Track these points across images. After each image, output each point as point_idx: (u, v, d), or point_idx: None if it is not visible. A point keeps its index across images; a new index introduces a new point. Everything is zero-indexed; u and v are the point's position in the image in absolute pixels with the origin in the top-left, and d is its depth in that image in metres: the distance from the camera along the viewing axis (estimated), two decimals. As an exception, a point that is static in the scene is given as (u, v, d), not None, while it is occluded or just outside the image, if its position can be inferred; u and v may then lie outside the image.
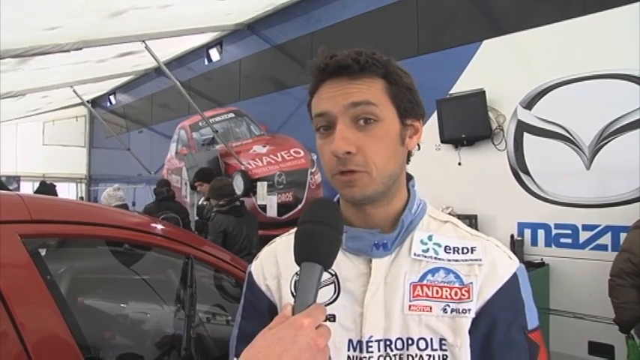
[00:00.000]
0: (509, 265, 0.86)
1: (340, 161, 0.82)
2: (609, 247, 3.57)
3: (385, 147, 0.84)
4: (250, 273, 0.98)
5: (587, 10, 3.76)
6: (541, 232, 3.98)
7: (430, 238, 0.89)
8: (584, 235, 3.74)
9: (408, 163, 0.93)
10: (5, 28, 4.38)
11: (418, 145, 0.92)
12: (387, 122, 0.84)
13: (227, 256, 2.09)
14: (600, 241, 3.64)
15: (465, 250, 0.87)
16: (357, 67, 0.83)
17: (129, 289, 2.00)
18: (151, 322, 1.92)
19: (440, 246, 0.88)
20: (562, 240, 3.86)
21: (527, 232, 4.05)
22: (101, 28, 5.45)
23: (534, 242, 4.01)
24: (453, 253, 0.87)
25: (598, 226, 3.67)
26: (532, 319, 0.84)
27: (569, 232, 3.81)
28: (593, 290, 3.60)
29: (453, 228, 0.92)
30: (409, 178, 0.96)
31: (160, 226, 1.95)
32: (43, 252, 1.42)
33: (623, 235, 3.34)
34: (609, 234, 3.59)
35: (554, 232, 3.91)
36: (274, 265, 0.95)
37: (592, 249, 3.68)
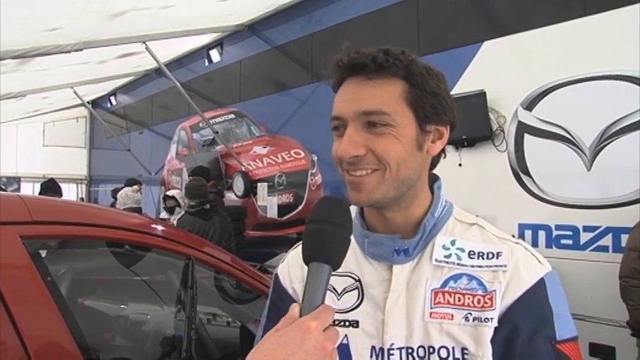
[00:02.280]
0: (536, 270, 0.82)
1: (349, 165, 0.81)
2: (610, 249, 3.56)
3: (397, 149, 0.80)
4: (277, 275, 0.97)
5: (587, 12, 3.75)
6: (542, 234, 3.97)
7: (453, 242, 0.85)
8: (585, 237, 3.73)
9: (432, 169, 0.90)
10: (6, 29, 4.38)
11: (444, 151, 0.89)
12: (401, 129, 0.80)
13: (227, 257, 2.09)
14: (601, 243, 3.62)
15: (490, 256, 0.83)
16: (374, 66, 0.79)
17: (129, 291, 2.00)
18: (152, 324, 1.92)
19: (463, 251, 0.84)
20: (563, 241, 3.85)
21: (528, 234, 4.04)
22: (102, 29, 5.45)
23: (535, 243, 3.99)
24: (477, 258, 0.83)
25: (599, 227, 3.65)
26: (565, 329, 0.78)
27: (570, 233, 3.80)
28: (594, 291, 3.59)
29: (480, 231, 0.88)
30: (435, 179, 0.92)
31: (160, 228, 1.95)
32: (43, 253, 1.42)
33: (624, 237, 3.33)
34: (610, 235, 3.57)
35: (554, 233, 3.90)
36: (300, 268, 0.93)
37: (593, 250, 3.67)
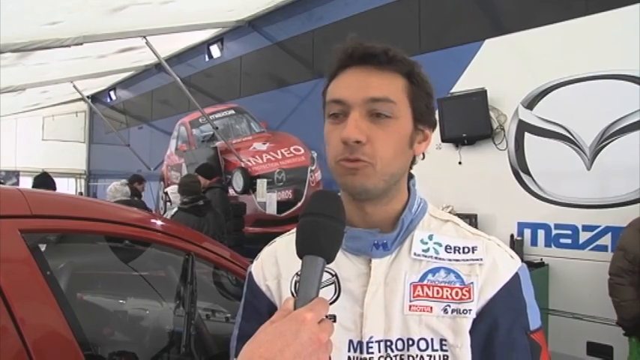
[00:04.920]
0: (510, 265, 0.85)
1: (348, 149, 0.81)
2: (609, 248, 3.56)
3: (394, 144, 0.83)
4: (250, 273, 0.97)
5: (588, 11, 3.75)
6: (541, 232, 3.97)
7: (430, 237, 0.88)
8: (584, 236, 3.74)
9: (411, 168, 0.93)
10: (6, 23, 4.37)
11: (423, 153, 0.92)
12: (401, 121, 0.84)
13: (227, 253, 2.09)
14: (600, 242, 3.64)
15: (466, 250, 0.86)
16: (385, 58, 0.82)
17: (129, 286, 2.00)
18: (151, 319, 1.92)
19: (440, 245, 0.87)
20: (562, 240, 3.85)
21: (527, 232, 4.04)
22: (102, 24, 5.44)
23: (534, 242, 4.00)
24: (454, 252, 0.86)
25: (598, 226, 3.66)
26: (534, 320, 0.83)
27: (569, 232, 3.81)
28: (593, 291, 3.60)
29: (454, 227, 0.91)
30: (410, 177, 0.95)
31: (160, 222, 1.94)
32: (42, 247, 1.42)
33: (623, 237, 3.34)
34: (609, 235, 3.58)
35: (554, 232, 3.91)
36: (274, 265, 0.94)
37: (592, 249, 3.68)
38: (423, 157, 0.93)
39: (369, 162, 0.81)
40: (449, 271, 0.84)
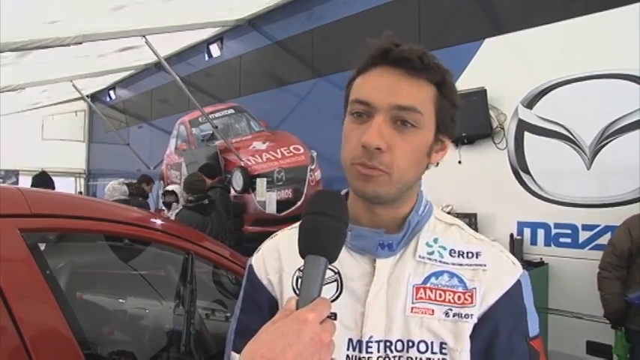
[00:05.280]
0: (513, 272, 0.86)
1: (366, 154, 0.80)
2: (609, 247, 3.57)
3: (413, 154, 0.82)
4: (251, 266, 0.96)
5: (588, 10, 3.75)
6: (541, 232, 3.97)
7: (436, 240, 0.88)
8: (583, 235, 3.74)
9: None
10: (5, 22, 4.36)
11: (437, 162, 0.91)
12: (424, 132, 0.83)
13: (227, 252, 2.09)
14: (600, 241, 3.63)
15: (470, 255, 0.86)
16: (420, 65, 0.81)
17: (128, 285, 2.00)
18: (151, 318, 1.92)
19: (445, 249, 0.87)
20: (562, 239, 3.86)
21: (527, 232, 4.04)
22: (102, 23, 5.43)
23: (534, 241, 4.00)
24: (458, 257, 0.86)
25: (598, 225, 3.66)
26: (533, 327, 0.84)
27: (569, 231, 3.81)
28: (592, 290, 3.59)
29: (459, 231, 0.91)
30: None
31: (160, 222, 1.94)
32: (42, 246, 1.41)
33: (622, 236, 3.35)
34: (609, 234, 3.57)
35: (553, 231, 3.91)
36: (277, 259, 0.93)
37: (591, 249, 3.68)
38: (437, 165, 0.92)
39: (386, 171, 0.80)
40: (452, 275, 0.85)
